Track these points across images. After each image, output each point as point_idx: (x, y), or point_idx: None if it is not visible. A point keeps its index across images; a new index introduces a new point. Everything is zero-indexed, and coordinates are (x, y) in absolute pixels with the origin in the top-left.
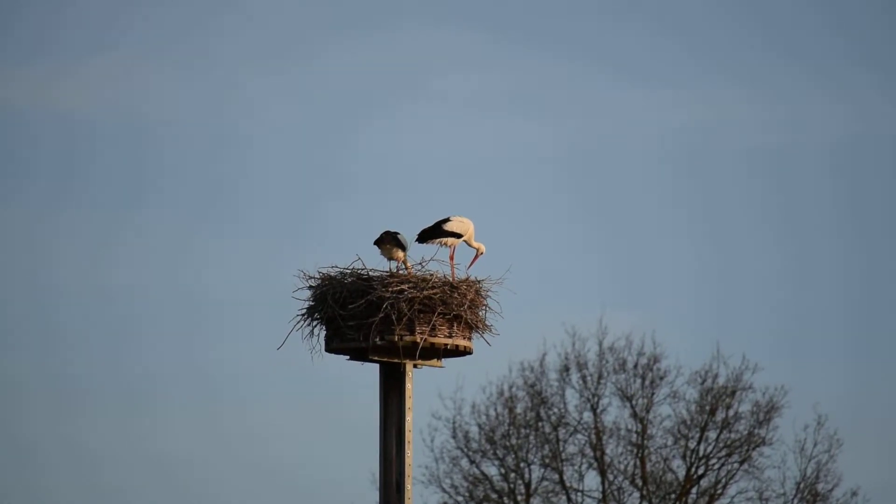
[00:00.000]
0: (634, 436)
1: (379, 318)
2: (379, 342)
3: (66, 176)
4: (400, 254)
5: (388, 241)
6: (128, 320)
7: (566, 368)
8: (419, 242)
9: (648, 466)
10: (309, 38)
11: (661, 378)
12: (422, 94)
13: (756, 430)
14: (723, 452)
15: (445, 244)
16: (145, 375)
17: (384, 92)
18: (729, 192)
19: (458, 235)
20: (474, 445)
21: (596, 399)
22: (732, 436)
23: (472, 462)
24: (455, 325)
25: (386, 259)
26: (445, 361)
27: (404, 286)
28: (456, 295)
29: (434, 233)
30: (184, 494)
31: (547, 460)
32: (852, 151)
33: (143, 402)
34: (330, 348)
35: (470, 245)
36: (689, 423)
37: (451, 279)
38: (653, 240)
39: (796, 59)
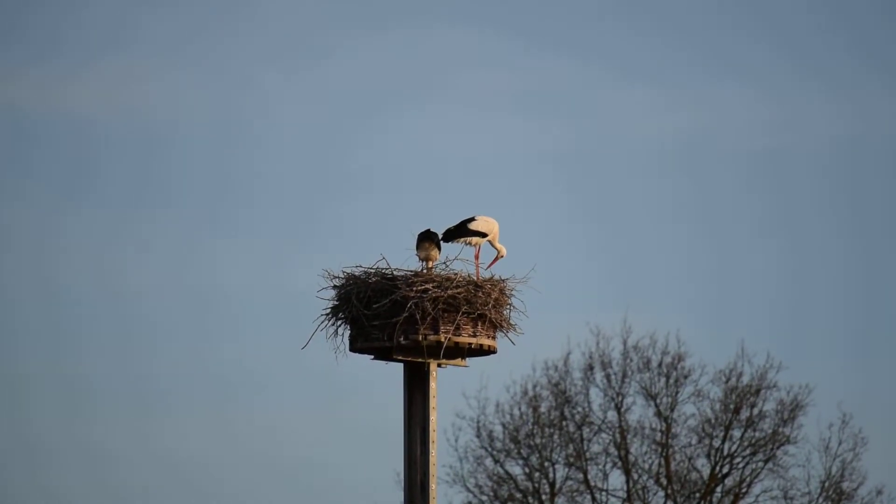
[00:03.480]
0: (659, 435)
1: (403, 317)
2: (403, 342)
3: (78, 177)
4: (436, 254)
5: (433, 240)
6: (140, 320)
7: (590, 367)
8: (444, 241)
9: (673, 465)
10: (320, 38)
11: (686, 377)
12: (433, 93)
13: (780, 429)
14: (747, 451)
15: (470, 243)
16: (158, 376)
17: (395, 92)
18: (746, 192)
19: (483, 235)
20: (498, 445)
21: (620, 398)
22: (757, 434)
23: (496, 461)
24: (479, 324)
25: (420, 259)
26: (469, 360)
27: (429, 285)
28: (480, 294)
29: (459, 232)
30: (201, 496)
31: (571, 459)
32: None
33: (156, 403)
34: (354, 348)
35: (493, 246)
36: (713, 421)
37: (475, 278)
38: (676, 239)
39: (795, 59)
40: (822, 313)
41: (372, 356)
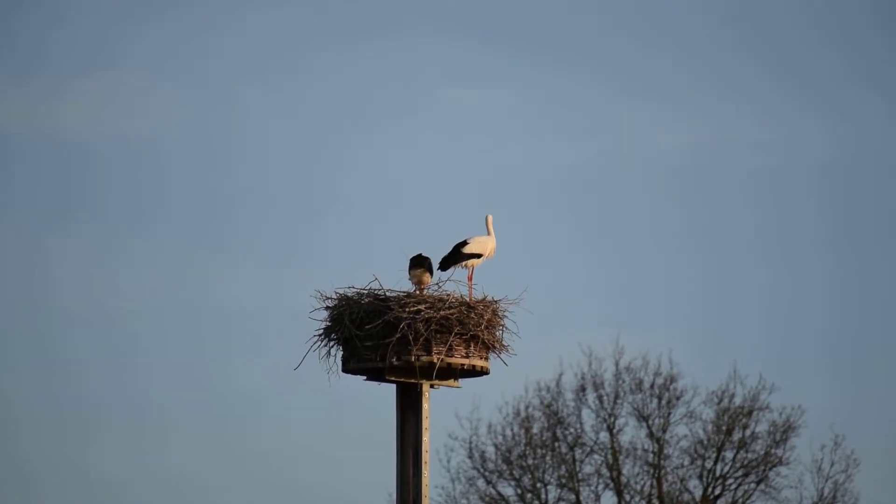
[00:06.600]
0: (651, 456)
1: (396, 338)
2: (396, 362)
3: (67, 196)
4: (428, 279)
5: (425, 265)
6: (131, 339)
7: (582, 388)
8: (441, 270)
9: (665, 487)
10: (305, 52)
11: (678, 398)
12: (429, 107)
13: (773, 450)
14: (739, 472)
15: (467, 266)
16: (150, 395)
17: (384, 106)
18: (742, 212)
19: (478, 256)
20: (491, 466)
21: (612, 419)
22: (749, 456)
23: (488, 482)
24: (472, 345)
25: (412, 283)
26: (462, 381)
27: (421, 306)
28: (473, 315)
29: (455, 258)
30: None
31: (563, 480)
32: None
33: (148, 423)
34: (347, 368)
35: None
36: (705, 443)
37: (468, 299)
38: (669, 259)
39: (795, 79)
40: (814, 335)
41: (364, 377)
